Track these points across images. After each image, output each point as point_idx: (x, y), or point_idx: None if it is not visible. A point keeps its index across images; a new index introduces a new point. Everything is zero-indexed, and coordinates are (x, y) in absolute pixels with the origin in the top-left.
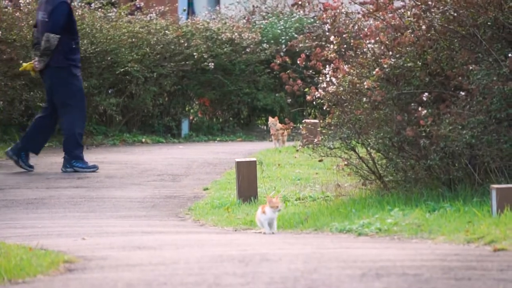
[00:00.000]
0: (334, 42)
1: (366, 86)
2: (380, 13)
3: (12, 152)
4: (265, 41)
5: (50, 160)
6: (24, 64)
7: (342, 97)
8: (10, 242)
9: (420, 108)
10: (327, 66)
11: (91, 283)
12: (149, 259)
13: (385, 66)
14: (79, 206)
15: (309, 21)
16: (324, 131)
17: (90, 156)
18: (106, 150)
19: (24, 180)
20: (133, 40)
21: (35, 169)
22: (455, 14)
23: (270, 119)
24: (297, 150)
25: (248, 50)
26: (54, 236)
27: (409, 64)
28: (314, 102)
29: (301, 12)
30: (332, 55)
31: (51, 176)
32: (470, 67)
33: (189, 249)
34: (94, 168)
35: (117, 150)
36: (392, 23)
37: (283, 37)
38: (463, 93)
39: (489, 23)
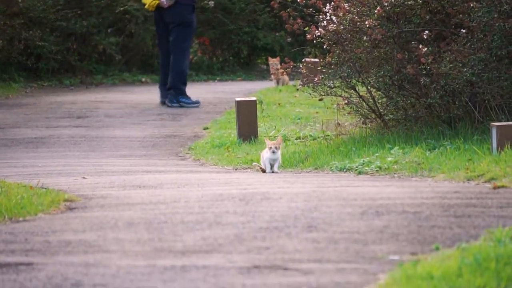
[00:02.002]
0: None
1: (366, 25)
2: None
3: (164, 99)
4: None
5: (50, 99)
6: (147, 0)
7: (343, 35)
8: (10, 181)
9: (420, 46)
10: (328, 4)
11: (91, 222)
12: (149, 198)
13: (386, 4)
14: (79, 146)
15: None
16: (324, 70)
17: (90, 96)
18: (106, 89)
19: (23, 119)
20: None
21: (35, 108)
22: None
23: (271, 59)
24: (297, 89)
25: None
26: (55, 175)
27: (409, 2)
28: (315, 41)
29: None
30: None
31: (50, 116)
32: (471, 4)
33: (190, 188)
34: (197, 104)
35: (117, 90)
36: None
37: None
38: (463, 31)
39: None
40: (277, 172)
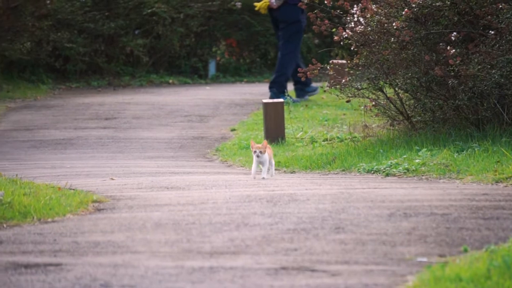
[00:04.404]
0: None
1: (394, 26)
2: None
3: (299, 97)
4: None
5: (78, 101)
6: (258, 4)
7: (370, 37)
8: (39, 182)
9: (448, 48)
10: (355, 5)
11: (120, 223)
12: (177, 199)
13: (414, 5)
14: (107, 147)
15: None
16: (351, 71)
17: (117, 97)
18: (133, 91)
19: (51, 121)
20: None
21: (64, 110)
22: None
23: None
24: (325, 91)
25: None
26: (83, 176)
27: (437, 3)
28: (342, 43)
29: None
30: None
31: (78, 117)
32: (500, 6)
33: (217, 189)
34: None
35: (144, 91)
36: None
37: None
38: (492, 32)
39: None
40: (267, 178)
